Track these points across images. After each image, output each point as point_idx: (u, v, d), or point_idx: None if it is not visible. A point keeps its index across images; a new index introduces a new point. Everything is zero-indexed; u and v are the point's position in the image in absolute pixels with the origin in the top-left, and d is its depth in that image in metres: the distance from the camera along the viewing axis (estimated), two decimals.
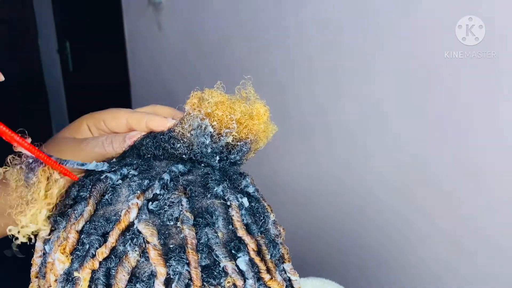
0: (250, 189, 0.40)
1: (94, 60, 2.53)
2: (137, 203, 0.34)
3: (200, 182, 0.37)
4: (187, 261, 0.32)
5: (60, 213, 0.38)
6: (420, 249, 1.14)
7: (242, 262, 0.34)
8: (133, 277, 0.32)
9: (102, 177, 0.37)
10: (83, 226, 0.35)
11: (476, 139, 0.98)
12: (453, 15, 0.94)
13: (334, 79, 1.23)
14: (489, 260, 1.01)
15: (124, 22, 2.04)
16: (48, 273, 0.35)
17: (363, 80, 1.15)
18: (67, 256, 0.34)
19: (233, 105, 0.40)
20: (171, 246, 0.33)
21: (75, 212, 0.36)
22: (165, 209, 0.35)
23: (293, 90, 1.35)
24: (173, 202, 0.35)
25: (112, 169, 0.38)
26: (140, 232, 0.33)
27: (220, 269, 0.33)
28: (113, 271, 0.33)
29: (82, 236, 0.35)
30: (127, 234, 0.33)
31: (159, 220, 0.34)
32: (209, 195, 0.36)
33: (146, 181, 0.36)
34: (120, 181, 0.37)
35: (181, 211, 0.34)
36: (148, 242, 0.32)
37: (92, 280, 0.33)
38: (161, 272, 0.32)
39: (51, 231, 0.38)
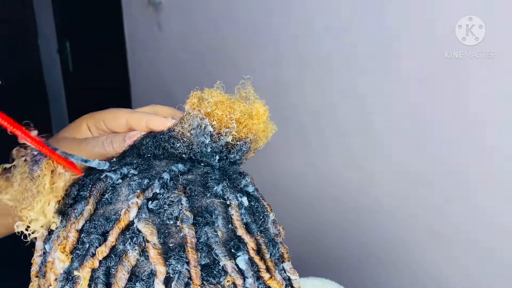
0: (250, 189, 0.40)
1: (94, 60, 2.53)
2: (137, 202, 0.34)
3: (200, 182, 0.37)
4: (187, 260, 0.33)
5: (60, 212, 0.38)
6: (418, 250, 1.14)
7: (242, 261, 0.34)
8: (133, 276, 0.32)
9: (102, 176, 0.37)
10: (83, 225, 0.35)
11: (476, 139, 0.98)
12: (453, 15, 0.94)
13: (333, 79, 1.23)
14: (486, 262, 1.01)
15: (124, 22, 2.04)
16: (48, 272, 0.35)
17: (362, 80, 1.16)
18: (67, 255, 0.34)
19: (233, 104, 0.40)
20: (171, 245, 0.33)
21: (75, 211, 0.36)
22: (165, 208, 0.35)
23: (293, 90, 1.35)
24: (172, 201, 0.35)
25: (112, 169, 0.38)
26: (140, 231, 0.33)
27: (220, 268, 0.34)
28: (113, 270, 0.33)
29: (82, 235, 0.35)
30: (127, 233, 0.34)
31: (158, 219, 0.34)
32: (208, 194, 0.37)
33: (146, 180, 0.36)
34: (120, 180, 0.37)
35: (181, 210, 0.34)
36: (148, 241, 0.32)
37: (92, 279, 0.33)
38: (161, 271, 0.32)
39: (51, 230, 0.38)
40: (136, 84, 2.10)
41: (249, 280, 0.34)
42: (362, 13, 1.12)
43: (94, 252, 0.33)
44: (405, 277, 1.19)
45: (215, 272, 0.33)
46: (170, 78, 1.82)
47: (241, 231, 0.36)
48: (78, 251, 0.34)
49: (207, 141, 0.39)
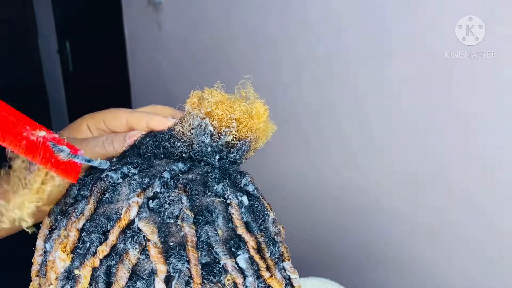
0: (250, 188, 0.40)
1: (94, 60, 2.53)
2: (138, 201, 0.34)
3: (200, 181, 0.38)
4: (187, 259, 0.33)
5: (61, 212, 0.38)
6: (418, 250, 1.14)
7: (242, 259, 0.34)
8: (134, 274, 0.33)
9: (102, 176, 0.37)
10: (84, 224, 0.35)
11: (476, 139, 0.98)
12: (453, 15, 0.94)
13: (332, 79, 1.23)
14: (486, 261, 1.01)
15: (124, 22, 2.05)
16: (49, 271, 0.35)
17: (362, 80, 1.16)
18: (68, 254, 0.34)
19: (233, 104, 0.40)
20: (171, 244, 0.33)
21: (76, 210, 0.36)
22: (165, 207, 0.35)
23: (292, 90, 1.35)
24: (173, 200, 0.35)
25: (113, 168, 0.38)
26: (140, 230, 0.33)
27: (220, 266, 0.34)
28: (113, 268, 0.33)
29: (83, 234, 0.35)
30: (128, 232, 0.34)
31: (159, 218, 0.34)
32: (209, 193, 0.37)
33: (146, 180, 0.36)
34: (120, 180, 0.37)
35: (181, 209, 0.34)
36: (148, 240, 0.33)
37: (93, 277, 0.33)
38: (161, 269, 0.32)
39: (52, 229, 0.38)
40: (136, 84, 2.10)
41: (249, 279, 0.34)
42: (362, 13, 1.12)
43: (94, 251, 0.33)
44: (405, 277, 1.19)
45: (215, 271, 0.33)
46: (170, 78, 1.82)
47: (241, 230, 0.36)
48: (79, 250, 0.34)
49: (207, 141, 0.39)
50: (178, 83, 1.77)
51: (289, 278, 0.39)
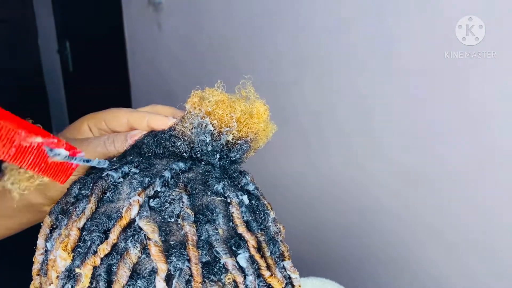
0: (250, 187, 0.40)
1: (94, 60, 2.53)
2: (138, 200, 0.34)
3: (201, 180, 0.38)
4: (188, 258, 0.33)
5: (62, 211, 0.38)
6: (418, 250, 1.14)
7: (242, 258, 0.34)
8: (134, 273, 0.33)
9: (103, 175, 0.37)
10: (85, 223, 0.35)
11: (476, 139, 0.98)
12: (453, 15, 0.94)
13: (332, 80, 1.23)
14: (486, 261, 1.01)
15: (124, 22, 2.05)
16: (50, 270, 0.36)
17: (361, 80, 1.16)
18: (68, 253, 0.34)
19: (233, 104, 0.40)
20: (172, 242, 0.34)
21: (77, 209, 0.36)
22: (166, 206, 0.35)
23: (293, 90, 1.35)
24: (174, 199, 0.35)
25: (113, 167, 0.38)
26: (141, 229, 0.33)
27: (221, 265, 0.34)
28: (114, 267, 0.33)
29: (84, 233, 0.35)
30: (128, 230, 0.34)
31: (160, 217, 0.35)
32: (209, 193, 0.37)
33: (147, 179, 0.36)
34: (121, 179, 0.37)
35: (182, 208, 0.34)
36: (149, 239, 0.33)
37: (94, 276, 0.33)
38: (162, 268, 0.32)
39: (53, 228, 0.38)
40: (136, 84, 2.10)
41: (250, 278, 0.34)
42: (362, 13, 1.12)
43: (95, 250, 0.33)
44: (405, 277, 1.19)
45: (216, 270, 0.33)
46: (170, 78, 1.82)
47: (241, 229, 0.36)
48: (79, 249, 0.34)
49: (207, 140, 0.39)
50: (178, 83, 1.77)
51: (289, 278, 0.40)
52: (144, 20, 1.88)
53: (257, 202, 0.39)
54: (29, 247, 0.42)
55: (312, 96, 1.30)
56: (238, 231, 0.36)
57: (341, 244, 1.33)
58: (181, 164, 0.38)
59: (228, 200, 0.37)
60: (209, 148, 0.39)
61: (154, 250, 0.32)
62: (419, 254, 1.14)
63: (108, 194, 0.36)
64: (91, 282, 0.33)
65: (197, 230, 0.34)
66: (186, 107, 0.40)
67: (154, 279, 0.32)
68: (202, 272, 0.33)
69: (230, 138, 0.40)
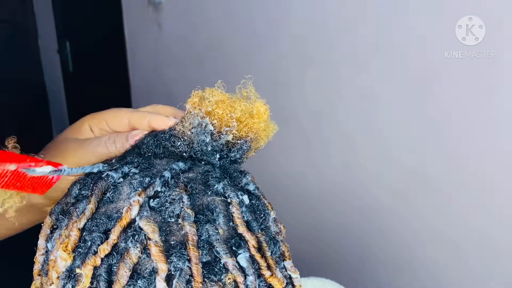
0: (251, 187, 0.40)
1: (94, 60, 2.53)
2: (139, 200, 0.34)
3: (201, 180, 0.38)
4: (188, 258, 0.33)
5: (62, 211, 0.38)
6: (419, 249, 1.14)
7: (243, 258, 0.34)
8: (135, 273, 0.33)
9: (103, 175, 0.37)
10: (85, 224, 0.35)
11: (476, 139, 0.98)
12: (453, 15, 0.94)
13: (332, 80, 1.23)
14: (487, 261, 1.01)
15: (124, 22, 2.04)
16: (51, 270, 0.36)
17: (362, 80, 1.16)
18: (69, 253, 0.34)
19: (234, 103, 0.40)
20: (172, 242, 0.34)
21: (77, 210, 0.36)
22: (166, 206, 0.35)
23: (293, 90, 1.35)
24: (174, 199, 0.35)
25: (113, 168, 0.38)
26: (141, 229, 0.33)
27: (221, 265, 0.34)
28: (114, 267, 0.33)
29: (84, 233, 0.35)
30: (129, 231, 0.34)
31: (160, 217, 0.35)
32: (209, 192, 0.37)
33: (147, 179, 0.36)
34: (121, 179, 0.37)
35: (182, 208, 0.34)
36: (149, 239, 0.33)
37: (94, 276, 0.33)
38: (162, 268, 0.32)
39: (53, 229, 0.38)
40: (136, 84, 2.10)
41: (250, 278, 0.34)
42: (362, 13, 1.12)
43: (96, 250, 0.33)
44: (405, 277, 1.19)
45: (216, 270, 0.33)
46: (170, 78, 1.82)
47: (242, 229, 0.36)
48: (80, 249, 0.34)
49: (207, 140, 0.39)
50: (178, 83, 1.77)
51: (290, 277, 0.39)
52: (144, 20, 1.88)
53: (257, 202, 0.39)
54: (30, 248, 0.42)
55: (312, 96, 1.30)
56: (239, 231, 0.36)
57: (341, 244, 1.33)
58: (181, 164, 0.38)
59: (229, 200, 0.37)
60: (209, 148, 0.39)
61: (155, 250, 0.32)
62: (419, 254, 1.14)
63: (108, 195, 0.36)
64: (91, 282, 0.33)
65: (197, 230, 0.34)
66: (186, 107, 0.40)
67: (155, 279, 0.32)
68: (203, 272, 0.33)
69: (230, 138, 0.40)
